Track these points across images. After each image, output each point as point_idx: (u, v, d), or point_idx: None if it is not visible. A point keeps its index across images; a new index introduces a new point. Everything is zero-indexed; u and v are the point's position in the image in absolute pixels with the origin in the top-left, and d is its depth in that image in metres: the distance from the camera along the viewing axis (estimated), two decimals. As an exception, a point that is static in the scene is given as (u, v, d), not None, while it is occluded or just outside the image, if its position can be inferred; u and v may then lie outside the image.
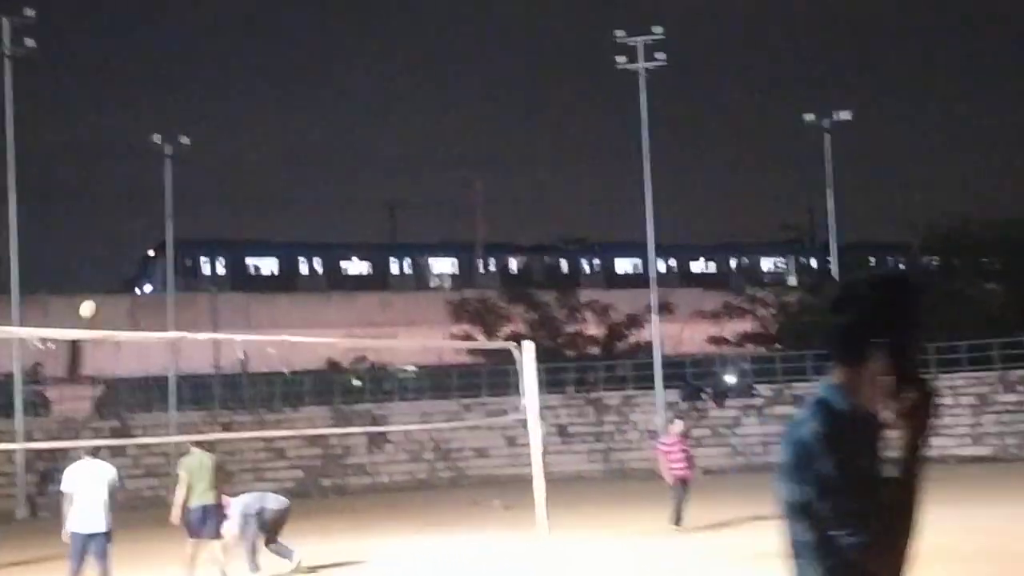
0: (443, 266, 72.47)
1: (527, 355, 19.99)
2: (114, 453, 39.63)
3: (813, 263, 69.46)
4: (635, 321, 53.46)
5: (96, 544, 14.08)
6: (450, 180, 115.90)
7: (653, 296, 44.49)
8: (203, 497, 16.15)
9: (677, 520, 20.50)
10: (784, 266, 72.64)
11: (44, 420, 41.88)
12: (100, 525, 14.10)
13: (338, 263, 69.75)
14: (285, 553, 16.86)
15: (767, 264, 74.52)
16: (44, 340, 15.11)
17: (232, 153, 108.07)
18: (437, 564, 17.39)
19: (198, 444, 16.90)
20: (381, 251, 72.20)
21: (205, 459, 16.50)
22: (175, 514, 16.17)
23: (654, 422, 42.65)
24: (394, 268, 71.89)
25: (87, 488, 14.24)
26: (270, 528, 16.78)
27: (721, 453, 42.69)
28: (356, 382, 50.41)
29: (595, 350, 53.80)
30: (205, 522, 16.10)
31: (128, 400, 44.70)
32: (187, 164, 44.79)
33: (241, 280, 65.85)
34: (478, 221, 72.76)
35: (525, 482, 26.03)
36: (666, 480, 20.91)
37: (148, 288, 63.65)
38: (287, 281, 67.96)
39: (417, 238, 75.59)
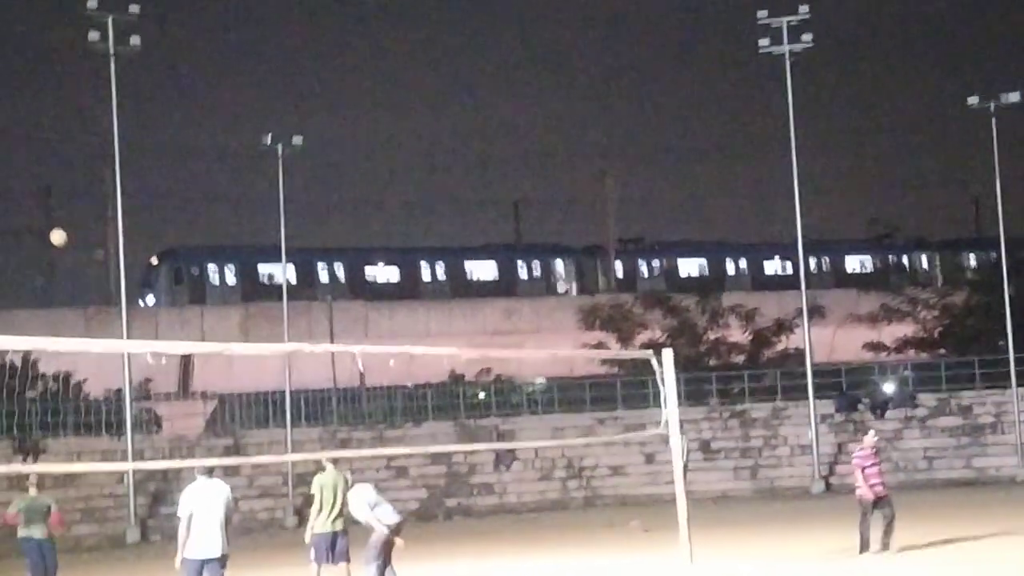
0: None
1: (666, 364, 19.77)
2: (228, 472, 40.29)
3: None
4: (784, 326, 52.78)
5: (211, 570, 14.16)
6: (579, 177, 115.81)
7: (803, 299, 43.87)
8: (334, 522, 16.08)
9: (865, 546, 19.99)
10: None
11: (155, 438, 42.78)
12: (216, 550, 14.20)
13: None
14: None
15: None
16: (155, 355, 15.35)
17: (347, 154, 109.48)
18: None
19: (334, 461, 16.67)
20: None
21: (340, 479, 16.32)
22: (308, 534, 16.09)
23: (807, 436, 42.05)
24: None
25: (204, 510, 14.28)
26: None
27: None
28: (481, 395, 50.57)
29: (740, 358, 53.22)
30: (334, 547, 16.00)
31: (241, 416, 45.41)
32: (300, 166, 45.41)
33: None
34: (608, 219, 72.50)
35: (665, 502, 25.83)
36: (865, 498, 20.29)
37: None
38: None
39: (544, 239, 75.61)
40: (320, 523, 16.00)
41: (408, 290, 68.44)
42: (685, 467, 20.66)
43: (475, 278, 70.26)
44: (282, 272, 47.48)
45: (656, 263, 72.20)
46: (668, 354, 20.12)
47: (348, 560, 16.13)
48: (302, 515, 39.91)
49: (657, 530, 25.58)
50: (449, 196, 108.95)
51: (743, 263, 72.90)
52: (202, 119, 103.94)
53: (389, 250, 70.34)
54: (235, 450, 41.11)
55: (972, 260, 68.29)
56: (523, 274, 71.90)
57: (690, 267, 71.59)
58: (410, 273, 68.88)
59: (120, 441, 38.34)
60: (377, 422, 45.63)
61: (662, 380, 19.73)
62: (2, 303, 61.04)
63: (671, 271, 71.08)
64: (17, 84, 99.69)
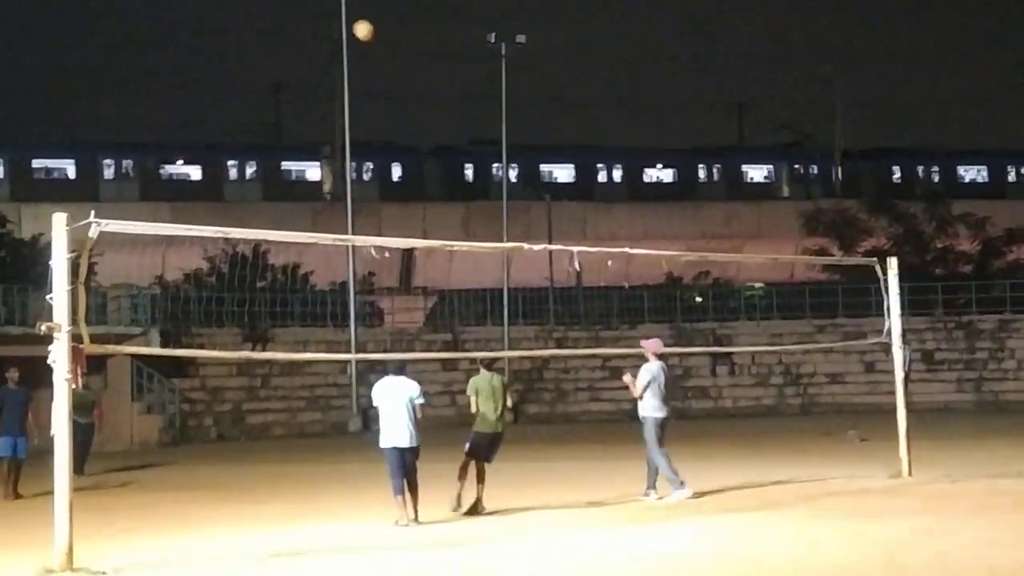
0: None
1: (891, 272, 19.40)
2: (446, 367, 41.21)
3: None
4: (1016, 236, 51.07)
5: (409, 457, 15.21)
6: (805, 78, 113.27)
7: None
8: (494, 423, 16.25)
9: None
10: None
11: (377, 331, 43.86)
12: (406, 440, 15.17)
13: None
14: None
15: None
16: (379, 249, 15.67)
17: (570, 52, 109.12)
18: (787, 499, 17.21)
19: (488, 365, 16.65)
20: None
21: (495, 380, 16.44)
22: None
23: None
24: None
25: (391, 404, 15.29)
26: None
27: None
28: (698, 299, 50.38)
29: (967, 268, 51.72)
30: (492, 448, 16.25)
31: (460, 313, 46.17)
32: (523, 65, 45.50)
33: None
34: (836, 124, 70.91)
35: (884, 412, 25.44)
36: None
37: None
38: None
39: (768, 141, 74.43)
40: (480, 425, 16.22)
41: (630, 192, 68.33)
42: (906, 377, 20.30)
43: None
44: (504, 171, 47.84)
45: (884, 168, 70.44)
46: (893, 262, 19.72)
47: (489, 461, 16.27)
48: (518, 410, 40.67)
49: (875, 440, 25.23)
50: (672, 96, 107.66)
51: (980, 170, 70.56)
52: (427, 16, 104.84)
53: (611, 150, 70.18)
54: (453, 345, 41.88)
55: None
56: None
57: (917, 173, 69.66)
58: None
59: (344, 332, 39.44)
60: (593, 323, 45.90)
61: (885, 288, 19.37)
62: (234, 196, 63.12)
63: (903, 177, 69.29)
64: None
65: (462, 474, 16.09)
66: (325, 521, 15.88)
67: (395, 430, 15.25)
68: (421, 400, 15.50)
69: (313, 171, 66.05)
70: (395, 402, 15.35)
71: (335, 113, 53.15)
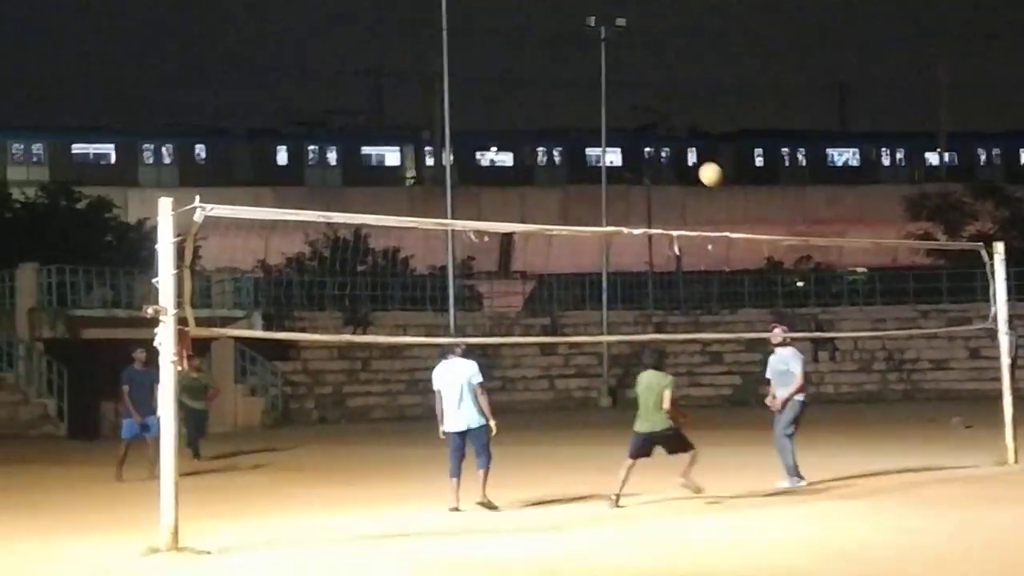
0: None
1: (997, 257, 19.09)
2: (544, 351, 41.26)
3: None
4: None
5: (473, 439, 15.14)
6: (907, 61, 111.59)
7: None
8: (649, 421, 15.37)
9: None
10: None
11: (476, 315, 44.01)
12: (464, 423, 15.11)
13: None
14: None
15: None
16: (478, 234, 15.72)
17: (669, 36, 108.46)
18: (889, 487, 17.01)
19: (657, 365, 15.53)
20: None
21: (653, 379, 15.43)
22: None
23: None
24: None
25: (449, 387, 15.17)
26: None
27: None
28: (799, 283, 49.91)
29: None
30: (648, 446, 15.46)
31: (559, 297, 46.18)
32: (623, 48, 45.25)
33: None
34: (940, 108, 69.78)
35: (989, 399, 25.00)
36: None
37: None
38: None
39: (868, 126, 73.54)
40: (636, 424, 15.51)
41: (729, 175, 67.92)
42: (1013, 363, 19.97)
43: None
44: (602, 155, 47.74)
45: (993, 152, 69.23)
46: (999, 246, 19.39)
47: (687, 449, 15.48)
48: (616, 396, 40.65)
49: (979, 427, 24.84)
50: (770, 79, 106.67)
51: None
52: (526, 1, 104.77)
53: (711, 136, 69.76)
54: (552, 329, 41.91)
55: None
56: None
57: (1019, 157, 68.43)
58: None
59: (443, 317, 39.62)
60: (692, 307, 45.67)
61: (991, 273, 19.06)
62: (334, 181, 63.69)
63: (1008, 161, 68.07)
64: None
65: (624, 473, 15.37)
66: (423, 504, 15.97)
67: (452, 414, 15.15)
68: (479, 379, 15.22)
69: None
70: (452, 385, 15.17)
71: (434, 99, 53.34)
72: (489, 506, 15.08)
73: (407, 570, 11.86)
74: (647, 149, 67.38)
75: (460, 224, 19.11)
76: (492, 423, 15.20)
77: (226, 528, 13.91)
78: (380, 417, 37.50)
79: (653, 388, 15.36)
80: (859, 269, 53.08)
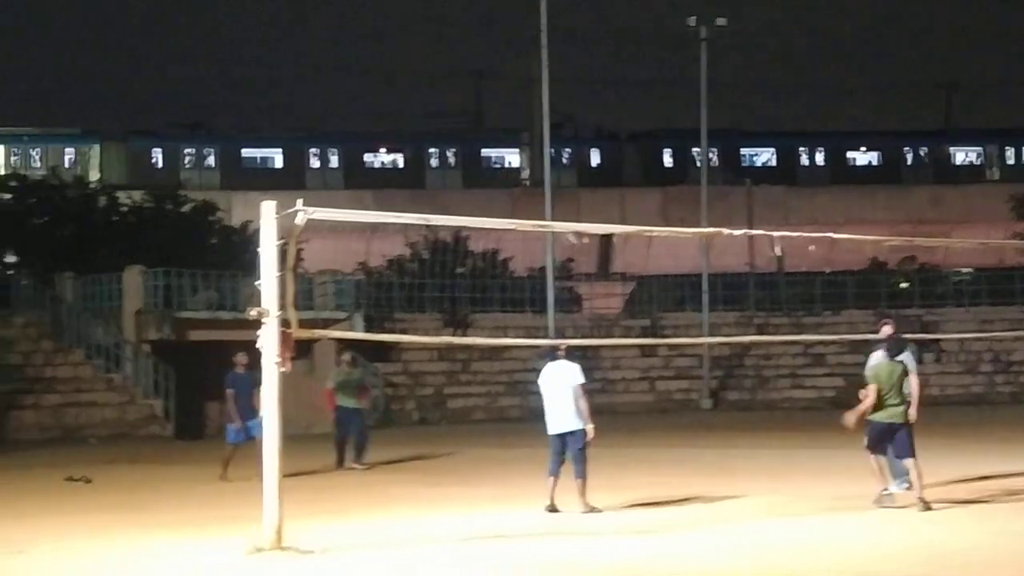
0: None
1: (1108, 257, 18.74)
2: (644, 353, 41.12)
3: None
4: None
5: (571, 442, 15.26)
6: (1015, 58, 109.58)
7: None
8: (893, 413, 14.92)
9: None
10: None
11: (575, 317, 43.98)
12: (565, 425, 15.28)
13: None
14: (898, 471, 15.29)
15: None
16: (577, 235, 15.75)
17: (771, 35, 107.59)
18: (994, 492, 16.74)
19: (896, 349, 15.37)
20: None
21: (896, 368, 15.10)
22: (849, 418, 15.02)
23: None
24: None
25: (552, 389, 15.35)
26: None
27: None
28: (904, 284, 49.25)
29: None
30: (891, 439, 14.93)
31: (658, 298, 46.00)
32: (723, 49, 44.93)
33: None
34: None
35: (1101, 402, 24.51)
36: None
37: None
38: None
39: (976, 124, 72.33)
40: (879, 414, 14.95)
41: (833, 176, 67.22)
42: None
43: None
44: (703, 156, 47.48)
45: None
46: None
47: (911, 456, 14.91)
48: (717, 397, 40.43)
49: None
50: (875, 78, 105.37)
51: None
52: (626, 1, 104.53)
53: (813, 134, 69.07)
54: (652, 331, 41.76)
55: None
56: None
57: None
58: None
59: (542, 318, 39.64)
60: (794, 308, 45.27)
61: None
62: (435, 184, 64.02)
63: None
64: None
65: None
66: (522, 505, 16.01)
67: (555, 416, 15.35)
68: (581, 380, 15.37)
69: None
70: (555, 387, 15.38)
71: (534, 100, 53.42)
72: (592, 511, 15.15)
73: (499, 572, 11.89)
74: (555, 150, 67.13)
75: (559, 226, 19.13)
76: (590, 427, 15.32)
77: (328, 528, 14.06)
78: (480, 419, 37.63)
79: (895, 374, 15.03)
80: (964, 269, 52.24)
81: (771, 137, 68.18)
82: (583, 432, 15.30)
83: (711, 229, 20.54)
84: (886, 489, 15.07)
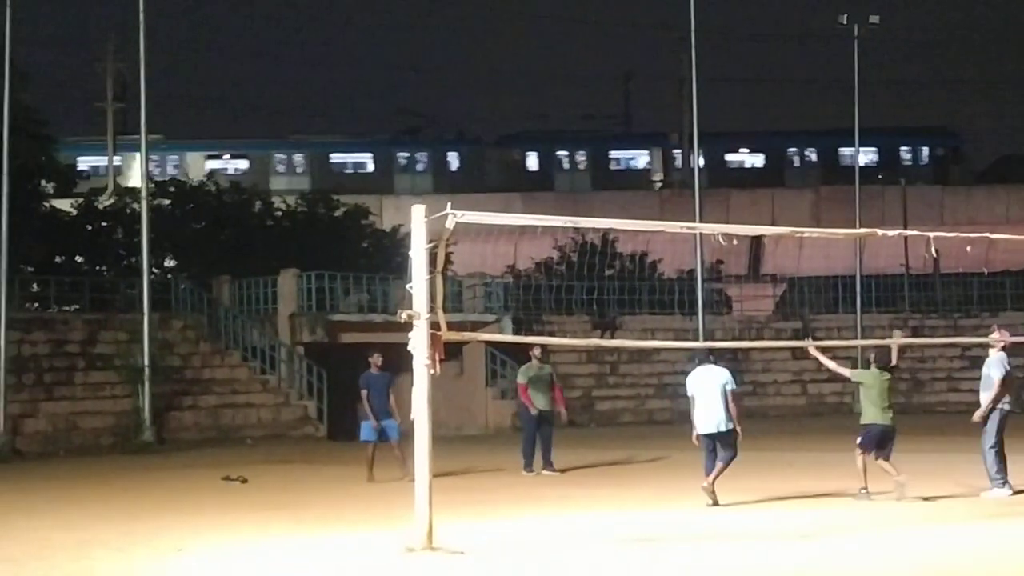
0: None
1: None
2: (795, 356, 40.56)
3: None
4: None
5: (721, 442, 16.01)
6: None
7: None
8: (881, 416, 16.60)
9: None
10: None
11: (725, 319, 43.61)
12: (716, 425, 15.97)
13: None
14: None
15: None
16: (727, 236, 15.64)
17: (927, 33, 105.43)
18: None
19: (879, 362, 17.13)
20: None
21: (880, 378, 16.84)
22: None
23: None
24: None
25: (703, 392, 16.04)
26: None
27: None
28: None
29: None
30: (882, 443, 16.53)
31: (810, 300, 45.40)
32: (877, 47, 44.22)
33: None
34: None
35: None
36: None
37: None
38: (999, 174, 65.73)
39: None
40: (869, 416, 16.66)
41: (990, 174, 65.74)
42: None
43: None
44: (855, 155, 46.75)
45: None
46: None
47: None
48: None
49: None
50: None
51: None
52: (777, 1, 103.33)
53: (970, 131, 67.61)
54: (804, 333, 41.19)
55: None
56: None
57: None
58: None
59: (692, 320, 39.40)
60: (951, 310, 44.30)
61: None
62: (582, 187, 64.03)
63: None
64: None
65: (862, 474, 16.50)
66: (675, 507, 15.99)
67: (707, 417, 15.96)
68: (733, 386, 16.09)
69: (642, 159, 66.43)
70: (708, 390, 15.99)
71: (684, 101, 53.16)
72: (711, 494, 15.82)
73: (654, 573, 11.85)
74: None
75: (707, 227, 19.01)
76: (739, 428, 16.06)
77: (479, 529, 14.14)
78: (628, 421, 37.51)
79: (883, 382, 16.81)
80: None
81: (925, 135, 66.80)
82: (733, 432, 16.00)
83: (864, 230, 20.23)
84: (864, 488, 16.24)
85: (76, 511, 17.32)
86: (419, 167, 64.95)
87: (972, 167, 66.93)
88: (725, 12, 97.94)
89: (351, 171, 64.08)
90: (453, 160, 65.20)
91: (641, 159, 66.55)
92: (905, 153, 65.32)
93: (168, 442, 29.88)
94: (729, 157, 65.25)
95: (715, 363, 16.36)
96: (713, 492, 15.91)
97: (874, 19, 42.50)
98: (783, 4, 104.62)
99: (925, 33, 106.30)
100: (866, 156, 58.52)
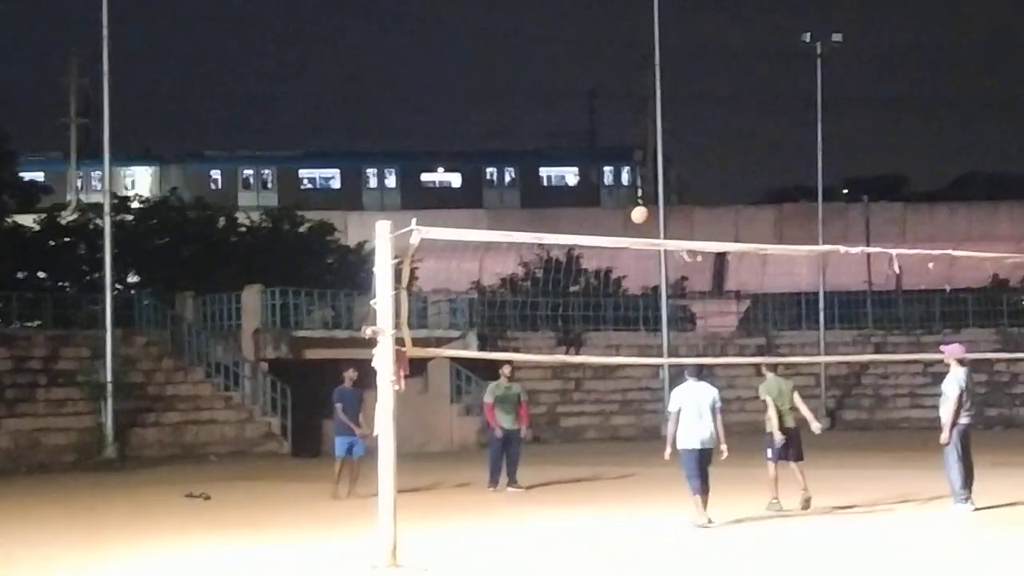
0: None
1: None
2: (759, 372, 40.63)
3: None
4: None
5: (707, 458, 15.95)
6: None
7: None
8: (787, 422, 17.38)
9: None
10: None
11: (689, 335, 43.70)
12: (702, 442, 15.85)
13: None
14: None
15: None
16: (691, 253, 15.68)
17: (888, 52, 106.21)
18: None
19: (773, 368, 18.29)
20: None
21: (783, 384, 17.67)
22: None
23: None
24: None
25: (690, 407, 15.91)
26: None
27: None
28: (1027, 302, 48.19)
29: None
30: (788, 447, 17.31)
31: (774, 317, 45.55)
32: (838, 65, 44.44)
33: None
34: None
35: None
36: None
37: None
38: (950, 188, 66.26)
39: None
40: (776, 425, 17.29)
41: (948, 193, 66.24)
42: None
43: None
44: (818, 172, 47.00)
45: None
46: None
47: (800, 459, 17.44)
48: (834, 416, 39.84)
49: None
50: (987, 96, 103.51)
51: None
52: (739, 19, 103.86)
53: (927, 150, 68.03)
54: (767, 349, 41.36)
55: None
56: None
57: None
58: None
59: (656, 337, 39.46)
60: (913, 327, 44.55)
61: None
62: (548, 204, 64.18)
63: None
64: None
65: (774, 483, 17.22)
66: (638, 522, 16.00)
67: (694, 432, 15.86)
68: (719, 405, 16.08)
69: (607, 176, 67.13)
70: (694, 406, 15.91)
71: (648, 119, 53.38)
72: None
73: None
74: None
75: (672, 244, 19.02)
76: (724, 447, 16.00)
77: (444, 545, 14.10)
78: (593, 437, 37.51)
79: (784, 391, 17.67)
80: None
81: (879, 154, 67.30)
82: (712, 451, 15.97)
83: (827, 247, 20.31)
84: (775, 498, 17.02)
85: (38, 529, 17.19)
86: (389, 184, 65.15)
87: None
88: (687, 32, 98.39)
89: (320, 187, 64.28)
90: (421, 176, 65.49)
91: (607, 176, 66.91)
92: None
93: (131, 459, 29.68)
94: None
95: (707, 379, 16.50)
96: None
97: (837, 37, 42.77)
98: (750, 21, 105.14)
99: (891, 51, 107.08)
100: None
